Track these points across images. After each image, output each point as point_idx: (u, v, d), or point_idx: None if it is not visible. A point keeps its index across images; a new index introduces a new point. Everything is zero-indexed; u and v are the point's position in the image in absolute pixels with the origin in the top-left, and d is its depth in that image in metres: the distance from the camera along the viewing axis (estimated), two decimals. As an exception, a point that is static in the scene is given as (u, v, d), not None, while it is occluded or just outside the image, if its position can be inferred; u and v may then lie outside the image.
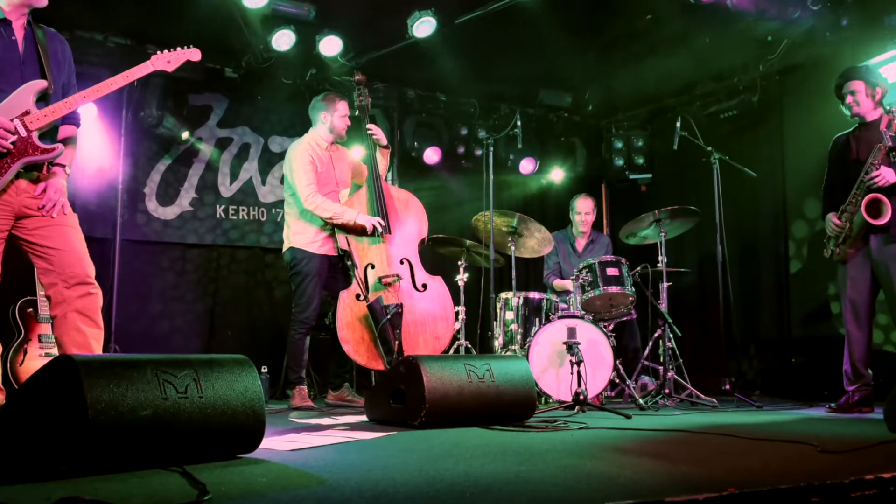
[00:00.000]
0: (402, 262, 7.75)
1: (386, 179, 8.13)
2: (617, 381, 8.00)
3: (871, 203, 6.89)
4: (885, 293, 7.13)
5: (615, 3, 9.16)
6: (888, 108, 7.01)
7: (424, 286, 7.77)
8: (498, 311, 8.43)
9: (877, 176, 6.85)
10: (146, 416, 3.46)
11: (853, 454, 4.03)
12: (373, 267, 7.57)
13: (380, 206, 7.72)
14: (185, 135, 9.55)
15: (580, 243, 9.61)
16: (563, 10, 8.90)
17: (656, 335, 8.35)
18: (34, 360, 7.45)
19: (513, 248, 8.54)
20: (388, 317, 7.21)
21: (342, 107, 7.84)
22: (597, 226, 10.29)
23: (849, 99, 7.24)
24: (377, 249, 7.65)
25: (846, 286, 7.22)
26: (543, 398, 7.62)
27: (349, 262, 7.50)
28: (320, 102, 7.92)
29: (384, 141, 7.99)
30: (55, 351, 5.03)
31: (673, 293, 8.70)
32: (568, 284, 8.98)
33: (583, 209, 9.56)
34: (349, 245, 7.53)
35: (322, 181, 7.69)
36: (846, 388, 7.17)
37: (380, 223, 7.55)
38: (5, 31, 4.89)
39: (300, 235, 7.66)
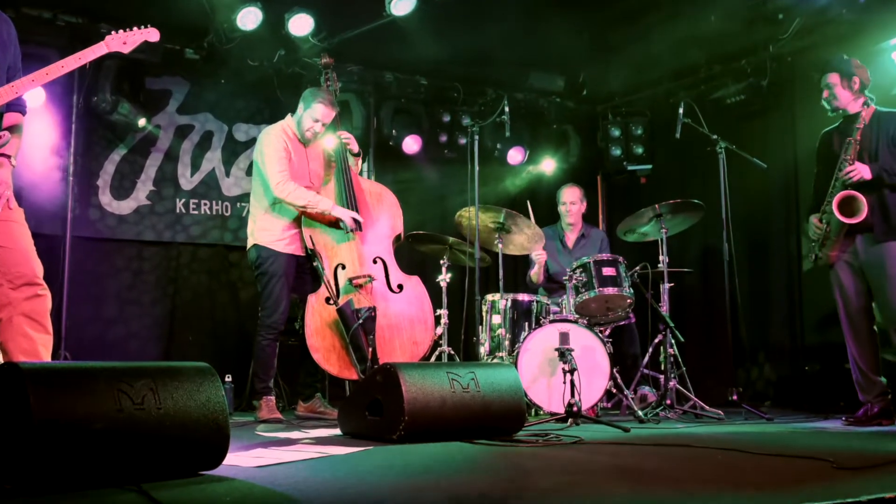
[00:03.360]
0: (374, 262, 7.77)
1: (360, 174, 8.14)
2: (614, 391, 8.00)
3: (843, 201, 6.96)
4: (875, 296, 7.19)
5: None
6: (871, 99, 7.13)
7: (400, 287, 7.79)
8: (484, 314, 8.42)
9: (851, 171, 6.93)
10: (99, 429, 3.46)
11: (872, 471, 4.06)
12: (343, 267, 7.58)
13: (349, 200, 7.72)
14: (142, 122, 9.49)
15: (570, 238, 9.60)
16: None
17: (657, 341, 8.37)
18: (-25, 368, 7.42)
19: (500, 245, 8.54)
20: (360, 321, 7.22)
21: (318, 109, 7.68)
22: (591, 223, 10.30)
23: (825, 93, 7.34)
24: (347, 248, 7.66)
25: (837, 292, 7.30)
26: (534, 410, 7.62)
27: (316, 263, 7.50)
28: (307, 92, 7.83)
29: (356, 149, 8.00)
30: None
31: (675, 295, 8.72)
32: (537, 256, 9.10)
33: (568, 199, 9.56)
34: (314, 244, 7.54)
35: (295, 174, 7.66)
36: (862, 399, 7.22)
37: (355, 218, 7.57)
38: (-56, 10, 4.87)
39: (266, 232, 7.65)
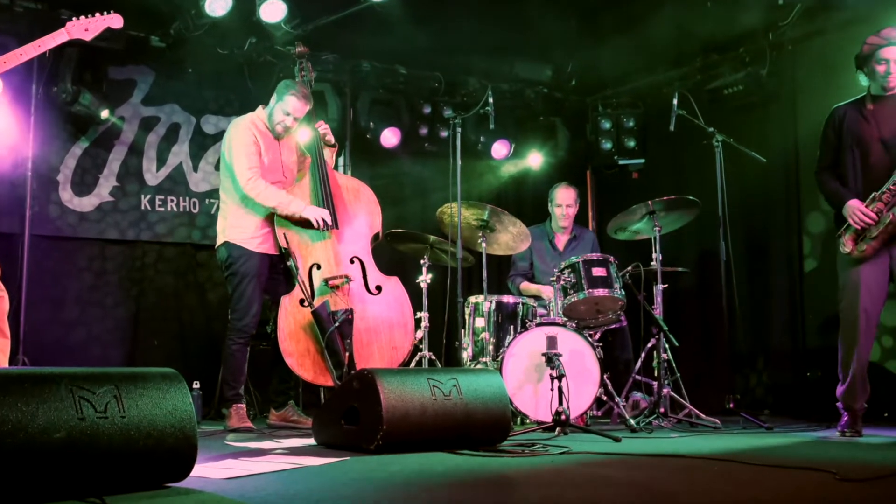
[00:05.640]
0: (352, 262, 7.78)
1: (335, 168, 8.14)
2: (604, 398, 8.00)
3: None
4: None
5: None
6: None
7: (379, 288, 7.79)
8: (466, 317, 8.43)
9: None
10: (60, 438, 3.46)
11: (876, 483, 4.09)
12: (318, 268, 7.59)
13: (325, 196, 7.72)
14: (105, 113, 9.45)
15: (561, 240, 9.59)
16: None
17: (650, 345, 8.38)
18: (-73, 375, 7.39)
19: (484, 244, 8.56)
20: (336, 324, 7.22)
21: (290, 102, 7.67)
22: (581, 220, 10.30)
23: (882, 67, 7.13)
24: (323, 247, 7.66)
25: (859, 291, 7.19)
26: (519, 418, 7.64)
27: (290, 263, 7.49)
28: (281, 84, 7.82)
29: (332, 139, 7.99)
30: (-47, 364, 5.02)
31: (669, 297, 8.74)
32: (545, 290, 9.01)
33: (564, 201, 9.50)
34: (288, 242, 7.53)
35: (267, 170, 7.66)
36: (855, 406, 7.22)
37: (326, 218, 7.55)
38: None
39: (237, 230, 7.64)
